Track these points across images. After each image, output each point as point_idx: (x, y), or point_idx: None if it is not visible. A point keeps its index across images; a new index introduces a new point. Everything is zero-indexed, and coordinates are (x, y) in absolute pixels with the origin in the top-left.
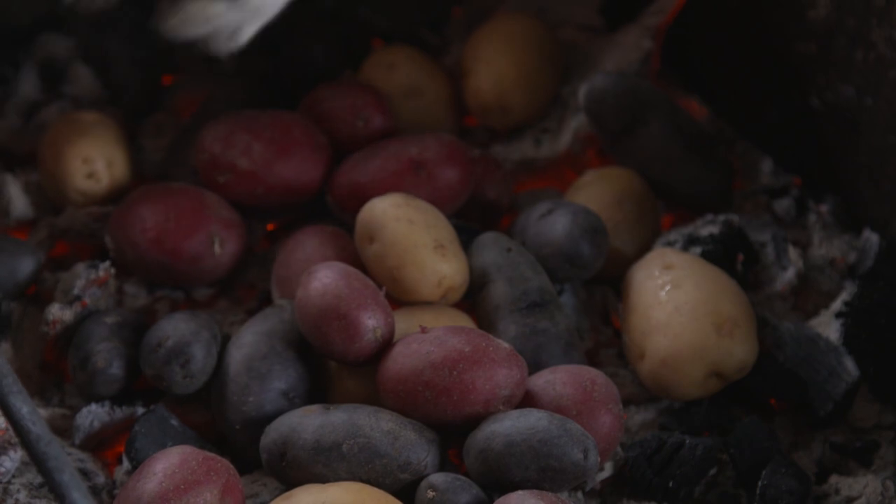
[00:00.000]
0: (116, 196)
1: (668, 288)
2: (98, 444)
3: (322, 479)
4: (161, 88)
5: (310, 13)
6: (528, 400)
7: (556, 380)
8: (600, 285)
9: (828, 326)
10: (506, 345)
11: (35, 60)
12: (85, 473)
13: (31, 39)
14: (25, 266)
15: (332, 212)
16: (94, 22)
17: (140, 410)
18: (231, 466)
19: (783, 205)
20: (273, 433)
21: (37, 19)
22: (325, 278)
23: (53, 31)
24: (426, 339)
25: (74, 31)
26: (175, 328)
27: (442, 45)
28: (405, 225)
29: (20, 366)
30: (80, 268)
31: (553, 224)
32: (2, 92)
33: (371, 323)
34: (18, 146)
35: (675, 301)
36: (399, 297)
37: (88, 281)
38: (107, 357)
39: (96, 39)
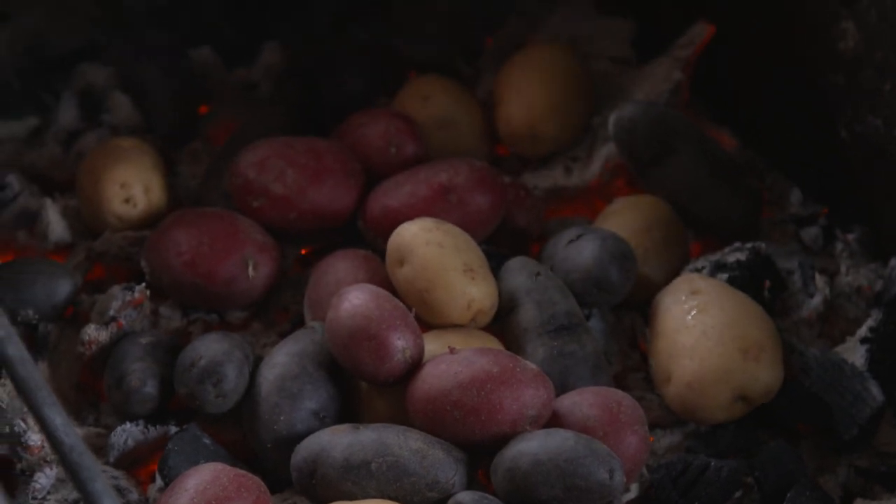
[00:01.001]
0: (152, 220)
1: (694, 312)
2: (132, 462)
3: (351, 497)
4: (197, 117)
5: (346, 44)
6: (554, 420)
7: (583, 401)
8: (629, 311)
9: (853, 352)
10: (533, 366)
11: (75, 89)
12: (119, 490)
13: (70, 69)
14: (63, 288)
15: (364, 236)
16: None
17: (173, 429)
18: (262, 484)
19: (811, 233)
20: (303, 451)
21: (76, 49)
22: (355, 300)
23: (93, 61)
24: (454, 360)
25: (113, 61)
26: (208, 348)
27: (475, 75)
28: (435, 249)
29: (57, 386)
30: (116, 290)
31: (582, 249)
32: (42, 120)
33: (400, 343)
34: (58, 173)
35: (702, 325)
36: (429, 320)
37: (124, 303)
38: (141, 377)
39: (135, 69)
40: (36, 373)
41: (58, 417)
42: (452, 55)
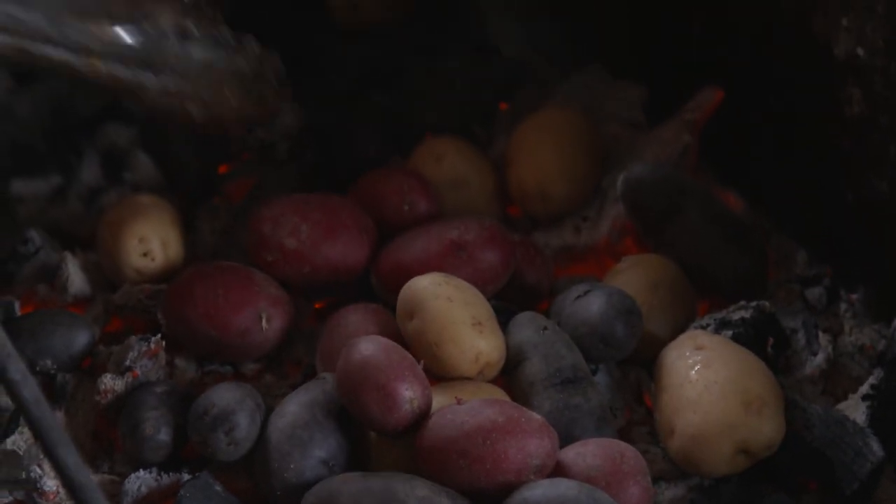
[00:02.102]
0: (170, 274)
1: (698, 367)
2: None
3: None
4: (217, 176)
5: (364, 107)
6: (559, 470)
7: (587, 452)
8: (635, 366)
9: (855, 409)
10: (538, 416)
11: (97, 149)
12: None
13: (94, 129)
14: (80, 339)
15: (377, 290)
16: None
17: (186, 477)
18: None
19: (815, 293)
20: (312, 498)
21: (100, 109)
22: (364, 350)
23: (116, 121)
24: (461, 410)
25: (136, 122)
26: (221, 397)
27: (489, 137)
28: (444, 302)
29: (73, 434)
30: (133, 341)
31: (588, 305)
32: (65, 179)
33: (408, 394)
34: (79, 229)
35: (705, 380)
36: (438, 373)
37: (140, 353)
38: (155, 424)
39: (156, 129)
40: (49, 414)
41: (70, 457)
42: (469, 121)
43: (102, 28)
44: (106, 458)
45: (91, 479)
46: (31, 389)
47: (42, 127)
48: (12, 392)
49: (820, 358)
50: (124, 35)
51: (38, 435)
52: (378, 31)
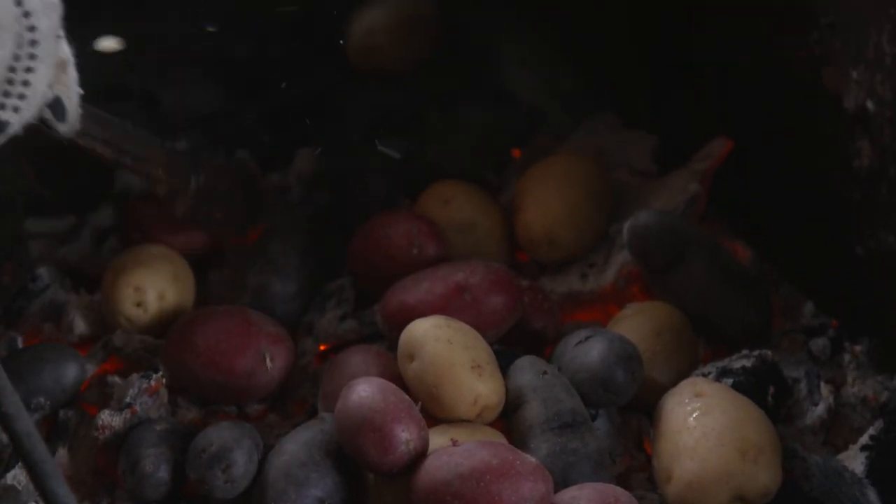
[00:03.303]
0: (162, 327)
1: (696, 414)
2: None
3: None
4: None
5: (378, 152)
6: None
7: (582, 496)
8: (636, 413)
9: (854, 460)
10: (532, 459)
11: (112, 190)
12: None
13: (111, 169)
14: (70, 372)
15: (382, 331)
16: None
17: None
18: None
19: (819, 344)
20: None
21: None
22: (362, 392)
23: None
24: (456, 452)
25: None
26: (219, 435)
27: (501, 183)
28: (444, 345)
29: (75, 471)
30: (134, 378)
31: (589, 350)
32: (79, 219)
33: (404, 436)
34: (89, 268)
35: (703, 427)
36: (437, 415)
37: (140, 390)
38: (155, 462)
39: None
40: (41, 447)
41: (60, 489)
42: (480, 165)
43: None
44: (106, 495)
45: None
46: (23, 423)
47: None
48: (6, 425)
49: (821, 408)
50: None
51: (29, 467)
52: (396, 77)
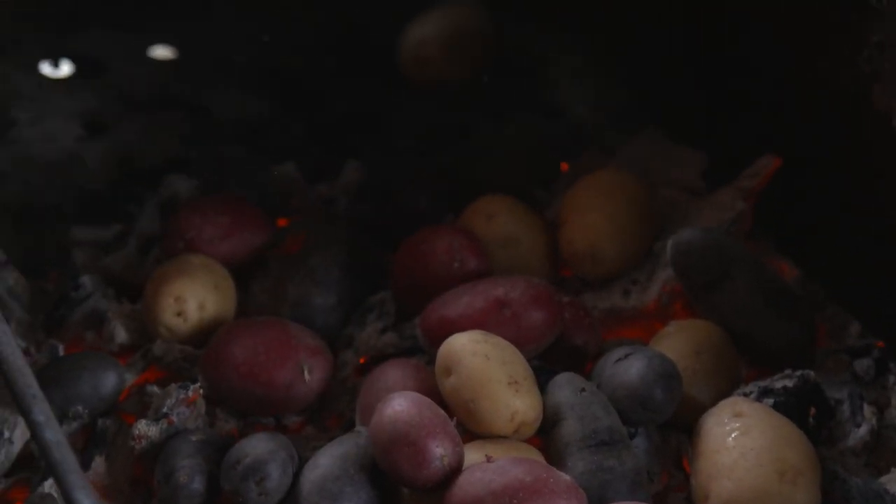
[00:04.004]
0: (203, 336)
1: (735, 434)
2: None
3: None
4: (276, 230)
5: (425, 164)
6: None
7: None
8: (676, 431)
9: None
10: (566, 477)
11: (159, 198)
12: None
13: (158, 180)
14: (108, 381)
15: (423, 345)
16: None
17: None
18: None
19: (863, 364)
20: None
21: (166, 160)
22: (397, 406)
23: (180, 172)
24: (490, 469)
25: (198, 174)
26: (254, 447)
27: (548, 198)
28: (481, 360)
29: (112, 480)
30: (172, 388)
31: (628, 367)
32: (125, 227)
33: (439, 451)
34: (132, 277)
35: (742, 447)
36: (473, 430)
37: (178, 400)
38: (189, 473)
39: (218, 181)
40: (70, 457)
41: (87, 500)
42: (528, 179)
43: None
44: None
45: None
46: (53, 431)
47: (108, 177)
48: (35, 433)
49: (864, 430)
50: None
51: (57, 476)
52: (447, 89)
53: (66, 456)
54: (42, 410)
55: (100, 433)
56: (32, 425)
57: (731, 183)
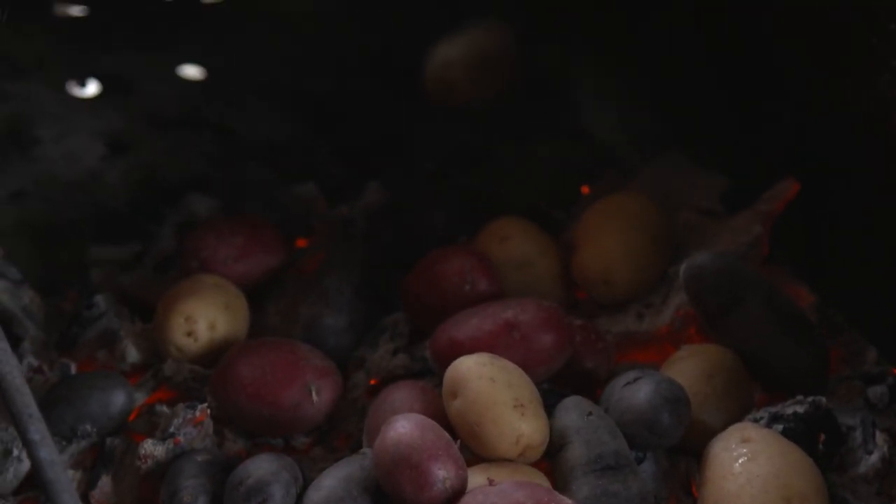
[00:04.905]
0: (213, 356)
1: (742, 460)
2: None
3: None
4: (294, 250)
5: (446, 187)
6: None
7: None
8: (685, 456)
9: None
10: (569, 501)
11: (178, 218)
12: None
13: (178, 199)
14: (117, 399)
15: (432, 366)
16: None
17: None
18: None
19: (877, 391)
20: None
21: (186, 180)
22: (401, 428)
23: (200, 192)
24: (491, 492)
25: (218, 190)
26: (257, 468)
27: (567, 220)
28: (487, 383)
29: (119, 500)
30: (180, 408)
31: (636, 392)
32: (143, 246)
33: (441, 474)
34: (148, 296)
35: (748, 473)
36: (479, 453)
37: (185, 420)
38: (193, 493)
39: (237, 198)
40: (64, 477)
41: None
42: (548, 202)
43: None
44: None
45: None
46: (47, 450)
47: (128, 195)
48: (30, 452)
49: (875, 457)
50: None
51: (49, 495)
52: (471, 111)
53: (59, 475)
54: (38, 430)
55: (108, 452)
56: (27, 444)
57: (749, 207)
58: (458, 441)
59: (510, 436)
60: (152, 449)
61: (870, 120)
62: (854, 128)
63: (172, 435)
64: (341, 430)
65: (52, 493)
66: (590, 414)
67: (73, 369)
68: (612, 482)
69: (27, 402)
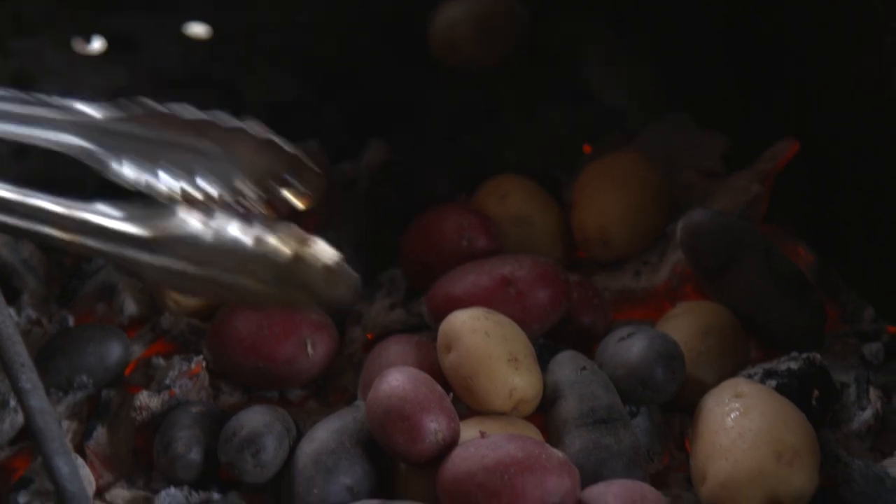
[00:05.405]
0: (210, 310)
1: (734, 415)
2: None
3: None
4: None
5: (451, 147)
6: None
7: (609, 492)
8: (679, 412)
9: None
10: (560, 454)
11: None
12: None
13: None
14: (114, 352)
15: (429, 322)
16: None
17: (216, 496)
18: None
19: (872, 348)
20: None
21: None
22: (394, 381)
23: None
24: (483, 444)
25: None
26: (250, 419)
27: (569, 180)
28: (481, 337)
29: (114, 450)
30: (176, 360)
31: (630, 347)
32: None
33: (433, 426)
34: None
35: (740, 428)
36: (472, 407)
37: (180, 372)
38: (187, 443)
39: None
40: (55, 425)
41: (66, 467)
42: (551, 162)
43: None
44: (142, 475)
45: (85, 491)
46: (38, 399)
47: None
48: (21, 400)
49: (868, 413)
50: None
51: (40, 443)
52: (477, 72)
53: (48, 423)
54: (29, 378)
55: (104, 404)
56: (19, 392)
57: (748, 166)
58: (452, 394)
59: (503, 389)
60: (147, 400)
61: (872, 80)
62: (856, 88)
63: (168, 387)
64: (337, 385)
65: (41, 441)
66: (583, 368)
67: (72, 322)
68: (604, 436)
69: (19, 350)
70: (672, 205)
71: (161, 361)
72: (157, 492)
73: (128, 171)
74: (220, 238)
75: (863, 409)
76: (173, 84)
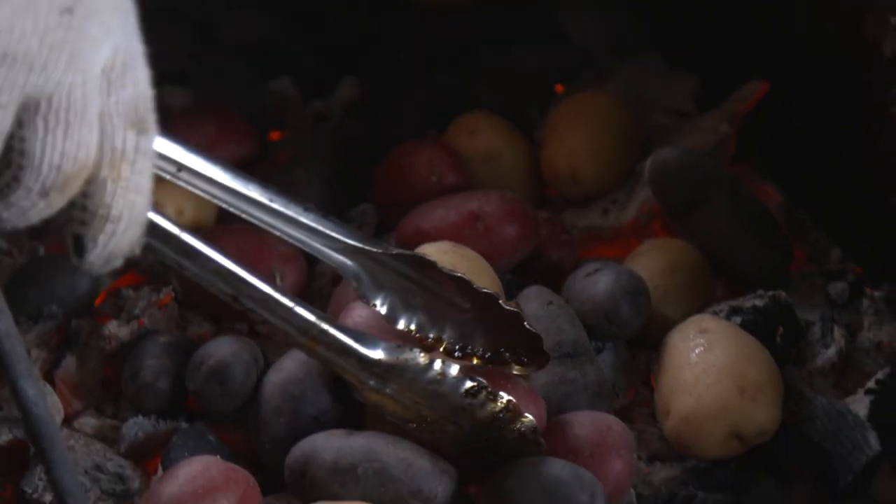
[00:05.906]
0: None
1: (699, 350)
2: (143, 454)
3: (337, 499)
4: (268, 142)
5: (423, 85)
6: (546, 439)
7: (576, 421)
8: (646, 348)
9: (859, 403)
10: (525, 384)
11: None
12: (122, 478)
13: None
14: (83, 282)
15: None
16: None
17: (184, 425)
18: (252, 478)
19: (837, 288)
20: (297, 452)
21: (162, 73)
22: (357, 317)
23: (175, 83)
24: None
25: (195, 83)
26: (218, 349)
27: (539, 119)
28: None
29: (83, 380)
30: (145, 290)
31: (596, 283)
32: None
33: None
34: None
35: (704, 363)
36: None
37: (149, 303)
38: (155, 372)
39: (212, 94)
40: (21, 349)
41: (31, 389)
42: (524, 101)
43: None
44: (111, 405)
45: (51, 414)
46: (5, 322)
47: None
48: None
49: (831, 351)
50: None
51: (5, 367)
52: (451, 13)
53: (15, 346)
54: None
55: (73, 333)
56: None
57: (718, 107)
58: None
59: None
60: (116, 330)
61: (842, 23)
62: (826, 30)
63: (137, 317)
64: None
65: (7, 364)
66: (550, 303)
67: (42, 253)
68: (569, 369)
69: None
70: (642, 144)
71: (131, 292)
72: (125, 420)
73: (386, 309)
74: (442, 379)
75: (827, 346)
76: (144, 18)
